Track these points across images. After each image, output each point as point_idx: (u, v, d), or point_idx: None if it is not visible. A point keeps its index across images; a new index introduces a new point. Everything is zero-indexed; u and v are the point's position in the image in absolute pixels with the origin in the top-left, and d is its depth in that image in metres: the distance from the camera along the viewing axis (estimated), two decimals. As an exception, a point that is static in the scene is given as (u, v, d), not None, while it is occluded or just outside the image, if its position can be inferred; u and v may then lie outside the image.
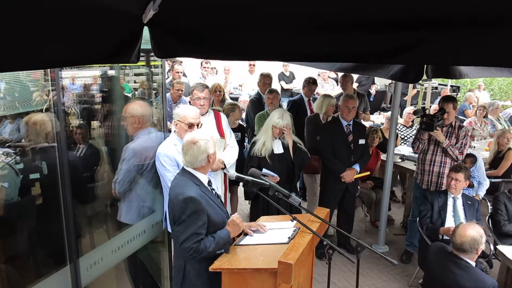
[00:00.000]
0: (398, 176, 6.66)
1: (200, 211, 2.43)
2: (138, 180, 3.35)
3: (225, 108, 5.06)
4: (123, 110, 3.31)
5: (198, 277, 2.56)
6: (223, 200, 2.80)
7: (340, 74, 8.80)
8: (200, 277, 2.56)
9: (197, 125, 3.24)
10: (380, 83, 10.73)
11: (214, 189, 2.69)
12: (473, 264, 2.99)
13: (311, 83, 5.91)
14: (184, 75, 7.58)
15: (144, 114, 3.28)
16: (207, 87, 3.88)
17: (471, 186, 5.03)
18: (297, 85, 9.81)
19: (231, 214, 2.78)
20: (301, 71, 9.11)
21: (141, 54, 2.15)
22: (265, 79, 5.86)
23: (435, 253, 3.21)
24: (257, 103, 5.71)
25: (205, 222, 2.45)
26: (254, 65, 9.47)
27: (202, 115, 3.73)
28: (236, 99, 7.78)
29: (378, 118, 8.52)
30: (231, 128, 4.29)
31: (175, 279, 2.65)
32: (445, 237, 3.75)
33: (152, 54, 2.24)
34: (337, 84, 9.49)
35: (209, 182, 2.67)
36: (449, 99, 4.48)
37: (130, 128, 3.28)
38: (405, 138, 6.68)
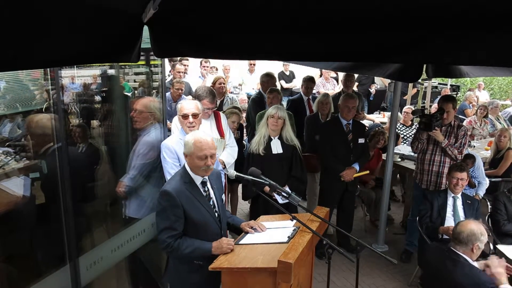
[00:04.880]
0: (398, 176, 6.67)
1: (173, 206, 2.47)
2: (152, 174, 3.43)
3: (226, 111, 5.09)
4: (136, 103, 3.39)
5: (176, 265, 2.69)
6: (220, 204, 2.76)
7: (340, 74, 8.83)
8: (178, 266, 2.68)
9: (193, 116, 3.28)
10: (380, 82, 10.73)
11: (207, 191, 2.67)
12: (471, 262, 2.99)
13: (307, 81, 5.94)
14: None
15: (157, 110, 3.45)
16: (215, 96, 3.91)
17: (473, 185, 5.03)
18: (297, 84, 9.81)
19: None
20: (302, 71, 9.11)
21: (141, 53, 2.15)
22: (273, 79, 5.87)
23: (433, 252, 3.21)
24: (258, 103, 5.71)
25: (179, 218, 2.50)
26: (254, 64, 9.47)
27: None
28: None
29: (378, 118, 8.51)
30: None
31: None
32: (445, 237, 3.75)
33: (152, 53, 2.24)
34: (337, 83, 9.49)
35: (204, 184, 2.66)
36: (449, 99, 4.49)
37: (141, 123, 3.34)
38: (405, 137, 6.68)
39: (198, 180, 2.62)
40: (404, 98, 9.26)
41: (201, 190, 2.63)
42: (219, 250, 2.49)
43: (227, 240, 2.54)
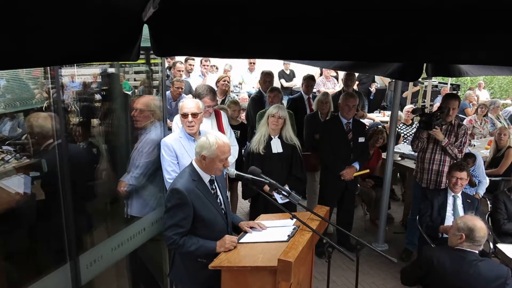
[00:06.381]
0: (398, 175, 6.67)
1: (183, 204, 2.50)
2: (156, 172, 3.44)
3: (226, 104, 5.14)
4: (137, 102, 3.39)
5: (183, 261, 2.72)
6: (225, 201, 2.79)
7: (340, 72, 8.83)
8: (186, 262, 2.70)
9: (192, 115, 3.29)
10: (381, 81, 10.73)
11: (214, 189, 2.71)
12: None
13: (308, 79, 5.95)
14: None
15: (158, 109, 3.46)
16: (216, 93, 3.91)
17: (473, 184, 5.03)
18: (297, 83, 9.81)
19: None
20: (302, 70, 9.11)
21: (141, 52, 2.14)
22: (266, 77, 5.88)
23: (443, 256, 3.10)
24: (258, 101, 5.72)
25: (188, 216, 2.53)
26: (254, 63, 9.48)
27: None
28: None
29: (378, 117, 8.52)
30: (232, 126, 4.32)
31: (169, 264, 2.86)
32: (445, 236, 3.75)
33: (152, 52, 2.23)
34: (338, 82, 9.48)
35: (212, 182, 2.70)
36: (454, 96, 4.55)
37: (141, 122, 3.36)
38: (405, 136, 6.68)
39: (206, 178, 2.66)
40: (404, 95, 9.25)
41: (209, 188, 2.67)
42: (223, 248, 2.52)
43: (230, 237, 2.58)
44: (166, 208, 2.57)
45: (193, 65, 7.92)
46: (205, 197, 2.60)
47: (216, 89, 5.91)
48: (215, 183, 2.73)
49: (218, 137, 2.59)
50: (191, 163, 2.69)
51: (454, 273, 2.95)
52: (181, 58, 7.81)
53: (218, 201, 2.72)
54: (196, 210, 2.54)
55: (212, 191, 2.69)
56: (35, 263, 2.69)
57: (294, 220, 2.71)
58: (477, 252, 2.98)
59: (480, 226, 2.95)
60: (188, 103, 3.33)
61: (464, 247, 2.98)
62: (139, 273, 3.60)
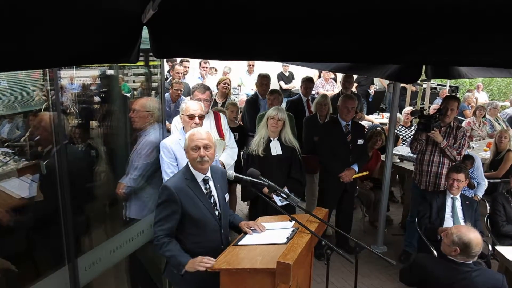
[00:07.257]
0: (397, 177, 6.67)
1: (170, 200, 2.53)
2: (154, 174, 3.44)
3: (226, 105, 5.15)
4: (134, 103, 3.41)
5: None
6: (221, 202, 2.77)
7: (339, 74, 8.85)
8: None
9: (199, 117, 3.34)
10: (379, 83, 10.75)
11: (208, 189, 2.69)
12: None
13: (306, 81, 5.95)
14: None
15: (156, 110, 3.46)
16: (208, 88, 3.92)
17: (472, 187, 5.03)
18: (296, 85, 9.82)
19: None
20: (301, 72, 9.12)
21: (140, 54, 2.15)
22: (262, 79, 5.84)
23: (441, 269, 3.10)
24: (253, 104, 5.69)
25: (174, 212, 2.54)
26: (253, 65, 9.48)
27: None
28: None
29: (377, 118, 8.53)
30: (231, 128, 4.31)
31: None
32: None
33: (151, 54, 2.24)
34: (336, 84, 9.50)
35: (206, 181, 2.68)
36: (454, 97, 4.57)
37: (139, 122, 3.36)
38: (404, 138, 6.69)
39: (199, 177, 2.66)
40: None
41: (202, 187, 2.66)
42: (192, 268, 2.44)
43: (201, 258, 2.44)
44: (157, 203, 2.61)
45: (188, 68, 7.90)
46: (196, 196, 2.60)
47: (216, 91, 5.94)
48: (210, 183, 2.71)
49: (194, 128, 2.71)
50: (187, 163, 2.71)
51: (449, 284, 2.93)
52: (179, 60, 7.81)
53: (212, 201, 2.70)
54: (184, 208, 2.55)
55: (205, 191, 2.67)
56: (34, 265, 2.68)
57: (293, 222, 2.71)
58: (471, 262, 2.96)
59: (476, 241, 2.90)
60: (193, 105, 3.37)
61: (458, 259, 2.96)
62: (138, 275, 3.59)
